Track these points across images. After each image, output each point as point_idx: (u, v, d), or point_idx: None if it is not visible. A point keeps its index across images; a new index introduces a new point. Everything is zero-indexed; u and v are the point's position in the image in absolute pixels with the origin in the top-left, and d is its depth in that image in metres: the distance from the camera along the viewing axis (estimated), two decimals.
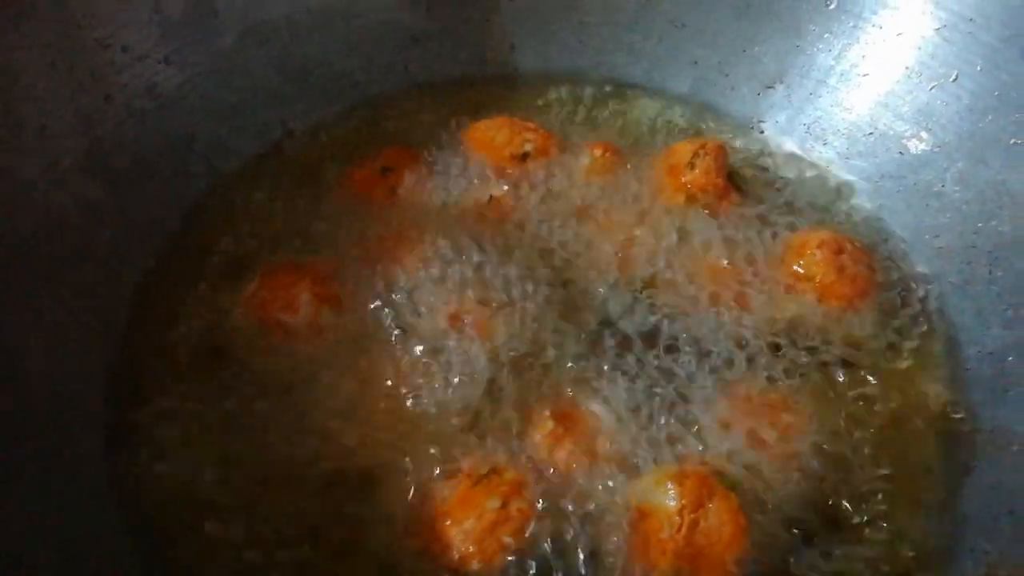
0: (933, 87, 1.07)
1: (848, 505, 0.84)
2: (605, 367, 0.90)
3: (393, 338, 0.92)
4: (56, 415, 0.84)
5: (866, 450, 0.87)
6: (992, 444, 0.88)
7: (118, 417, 0.89)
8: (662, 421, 0.86)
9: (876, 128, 1.13)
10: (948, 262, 1.02)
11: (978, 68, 1.03)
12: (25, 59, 0.92)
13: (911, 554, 0.82)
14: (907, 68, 1.10)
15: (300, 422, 0.87)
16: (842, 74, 1.17)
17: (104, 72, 1.00)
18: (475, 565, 0.75)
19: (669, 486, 0.79)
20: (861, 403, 0.91)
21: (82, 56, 0.98)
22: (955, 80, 1.05)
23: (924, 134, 1.08)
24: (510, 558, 0.76)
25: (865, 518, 0.83)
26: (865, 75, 1.14)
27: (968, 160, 1.03)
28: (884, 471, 0.86)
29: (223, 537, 0.80)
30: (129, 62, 1.02)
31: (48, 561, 0.74)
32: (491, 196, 1.06)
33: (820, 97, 1.19)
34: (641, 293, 0.97)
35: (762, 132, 1.22)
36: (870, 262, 1.01)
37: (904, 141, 1.10)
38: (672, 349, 0.92)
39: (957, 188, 1.03)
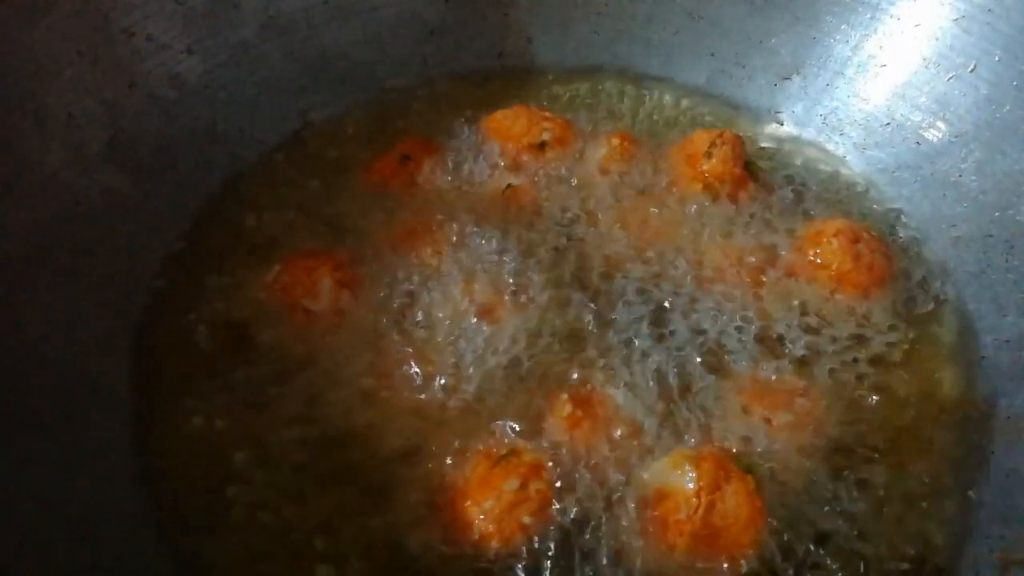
0: (951, 77, 1.07)
1: (862, 490, 0.84)
2: (622, 352, 0.91)
3: (412, 323, 0.93)
4: (78, 401, 0.86)
5: (882, 436, 0.88)
6: (1009, 431, 0.88)
7: (140, 402, 0.90)
8: (679, 405, 0.87)
9: (893, 119, 1.13)
10: (965, 251, 1.02)
11: (996, 58, 1.03)
12: (51, 48, 0.94)
13: (927, 539, 0.82)
14: (924, 59, 1.11)
15: (320, 405, 0.88)
16: (859, 65, 1.17)
17: (128, 61, 1.02)
18: (494, 545, 0.76)
19: (686, 468, 0.79)
20: (876, 390, 0.91)
21: (107, 45, 1.00)
22: (973, 70, 1.05)
23: (941, 124, 1.08)
24: (529, 538, 0.77)
25: (879, 503, 0.83)
26: (883, 66, 1.15)
27: (985, 150, 1.03)
28: (899, 457, 0.87)
29: (243, 519, 0.81)
30: (153, 51, 1.04)
31: (70, 545, 0.75)
32: (509, 185, 1.07)
33: (837, 88, 1.19)
34: (658, 280, 0.98)
35: (779, 123, 1.22)
36: (886, 251, 1.01)
37: (921, 131, 1.10)
38: (688, 335, 0.93)
39: (974, 178, 1.03)
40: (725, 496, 0.78)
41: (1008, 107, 1.01)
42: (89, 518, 0.78)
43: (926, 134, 1.10)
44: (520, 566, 0.76)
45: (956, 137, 1.06)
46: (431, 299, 0.95)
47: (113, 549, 0.78)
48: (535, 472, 0.80)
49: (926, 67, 1.10)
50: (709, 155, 1.07)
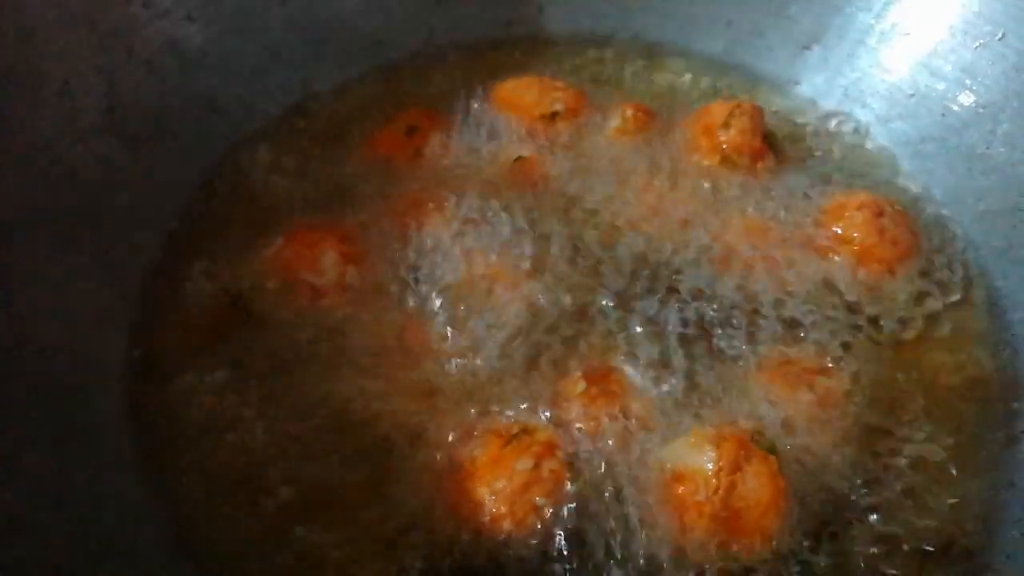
0: (978, 46, 1.03)
1: (888, 471, 0.81)
2: (637, 328, 0.88)
3: (419, 299, 0.90)
4: (74, 377, 0.83)
5: (907, 416, 0.85)
6: None
7: (138, 377, 0.87)
8: (697, 383, 0.84)
9: (917, 89, 1.09)
10: (992, 226, 0.98)
11: None
12: (45, 13, 0.91)
13: (955, 521, 0.79)
14: (951, 27, 1.06)
15: (324, 382, 0.85)
16: (882, 34, 1.13)
17: (126, 28, 0.98)
18: (507, 526, 0.73)
19: (705, 448, 0.76)
20: (902, 368, 0.88)
21: (104, 11, 0.97)
22: (1001, 39, 1.01)
23: (968, 95, 1.04)
24: (542, 519, 0.74)
25: (906, 484, 0.80)
26: (906, 34, 1.10)
27: (1014, 121, 0.99)
28: (925, 437, 0.83)
29: (244, 497, 0.79)
30: (151, 18, 1.00)
31: (65, 522, 0.73)
32: (519, 156, 1.04)
33: (859, 58, 1.15)
34: (674, 254, 0.95)
35: (798, 94, 1.18)
36: (911, 225, 0.97)
37: (947, 103, 1.06)
38: (706, 311, 0.90)
39: (1003, 150, 0.99)
40: (746, 477, 0.75)
41: None
42: (86, 495, 0.76)
43: (952, 105, 1.06)
44: (533, 547, 0.73)
45: (983, 108, 1.02)
46: (439, 274, 0.92)
47: (110, 526, 0.76)
48: (548, 451, 0.77)
49: (952, 35, 1.06)
50: (727, 126, 1.04)
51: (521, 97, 1.09)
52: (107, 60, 0.96)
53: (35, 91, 0.89)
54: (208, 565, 0.76)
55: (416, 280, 0.91)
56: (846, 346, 0.88)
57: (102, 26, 0.96)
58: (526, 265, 0.92)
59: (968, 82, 1.05)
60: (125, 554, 0.75)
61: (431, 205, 0.98)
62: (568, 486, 0.76)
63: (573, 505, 0.75)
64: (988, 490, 0.82)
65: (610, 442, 0.79)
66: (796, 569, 0.74)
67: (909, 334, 0.90)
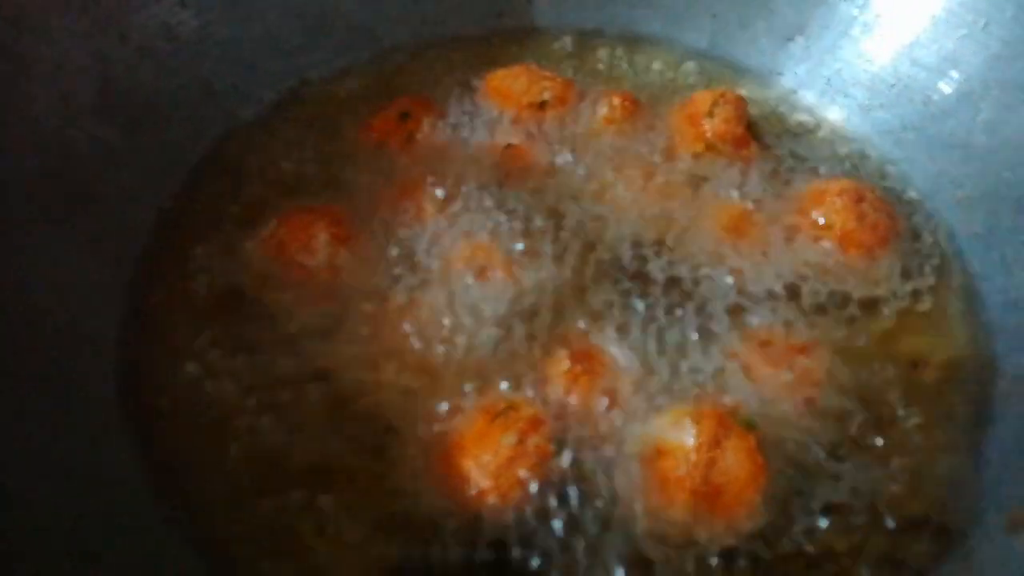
0: (961, 35, 1.05)
1: (865, 449, 0.82)
2: (622, 310, 0.89)
3: (409, 281, 0.91)
4: (67, 355, 0.84)
5: (885, 396, 0.86)
6: (1015, 391, 0.87)
7: (133, 358, 0.88)
8: (679, 363, 0.85)
9: (899, 79, 1.11)
10: (972, 212, 1.00)
11: (1008, 15, 1.01)
12: None
13: (932, 498, 0.81)
14: (933, 17, 1.08)
15: (316, 362, 0.86)
16: (865, 24, 1.14)
17: (120, 12, 0.99)
18: (492, 500, 0.75)
19: (686, 424, 0.78)
20: (880, 350, 0.90)
21: None
22: (984, 27, 1.03)
23: (949, 84, 1.06)
24: (527, 493, 0.75)
25: (882, 462, 0.82)
26: (890, 25, 1.12)
27: (995, 109, 1.01)
28: (903, 417, 0.85)
29: (237, 474, 0.80)
30: (145, 2, 1.01)
31: (60, 501, 0.73)
32: (509, 143, 1.05)
33: (842, 48, 1.16)
34: (659, 239, 0.96)
35: (781, 85, 1.20)
36: (891, 211, 0.99)
37: (928, 92, 1.08)
38: (689, 294, 0.91)
39: (983, 137, 1.01)
40: (726, 453, 0.76)
41: (1020, 64, 0.99)
42: (80, 475, 0.76)
43: (933, 94, 1.08)
44: (518, 520, 0.75)
45: (965, 96, 1.04)
46: (428, 257, 0.93)
47: (105, 505, 0.76)
48: (534, 427, 0.78)
49: (935, 25, 1.08)
50: (711, 115, 1.05)
51: (511, 86, 1.11)
52: (100, 44, 0.97)
53: (27, 71, 0.89)
54: (200, 536, 0.77)
55: (406, 262, 0.93)
56: (825, 327, 0.90)
57: (95, 9, 0.97)
58: (514, 248, 0.94)
59: (950, 71, 1.06)
60: (125, 530, 0.76)
61: (423, 189, 0.99)
62: (553, 461, 0.77)
63: (558, 479, 0.77)
64: (964, 468, 0.83)
65: (594, 418, 0.81)
66: (774, 544, 0.76)
67: (887, 316, 0.92)
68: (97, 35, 0.97)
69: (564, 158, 1.05)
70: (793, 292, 0.92)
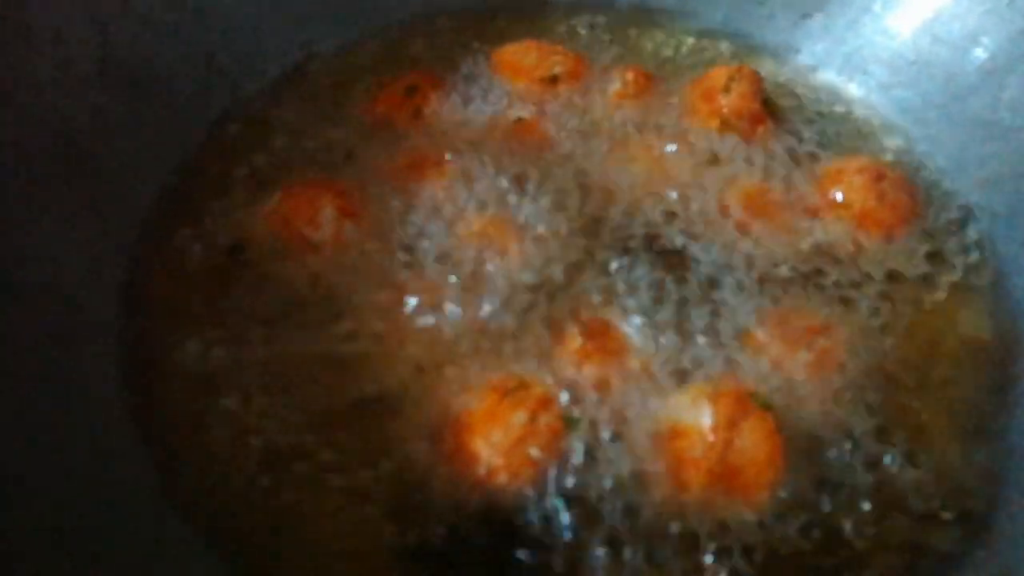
0: (984, 10, 1.02)
1: (886, 432, 0.80)
2: (636, 288, 0.87)
3: (417, 255, 0.89)
4: (66, 328, 0.82)
5: (908, 378, 0.84)
6: None
7: (132, 332, 0.86)
8: (694, 341, 0.83)
9: (920, 56, 1.09)
10: (995, 192, 0.98)
11: None
12: None
13: (955, 483, 0.78)
14: None
15: (320, 338, 0.84)
16: (886, 0, 1.12)
17: None
18: (502, 478, 0.73)
19: (702, 404, 0.76)
20: (901, 331, 0.87)
21: None
22: (1009, 3, 1.00)
23: (973, 61, 1.03)
24: (538, 472, 0.73)
25: (904, 445, 0.80)
26: (911, 0, 1.09)
27: (1020, 86, 0.98)
28: (925, 400, 0.83)
29: (239, 451, 0.78)
30: None
31: (58, 478, 0.71)
32: (519, 118, 1.03)
33: (862, 25, 1.14)
34: (673, 216, 0.94)
35: (799, 62, 1.17)
36: (912, 190, 0.97)
37: (951, 69, 1.06)
38: (704, 272, 0.89)
39: (1007, 115, 0.99)
40: (743, 434, 0.74)
41: None
42: (78, 450, 0.75)
43: (956, 72, 1.05)
44: (528, 500, 0.73)
45: (989, 74, 1.02)
46: (436, 231, 0.91)
47: (103, 481, 0.75)
48: (544, 406, 0.76)
49: (957, 1, 1.05)
50: (727, 90, 1.03)
51: (521, 60, 1.09)
52: (102, 12, 0.94)
53: (26, 38, 0.87)
54: (198, 517, 0.75)
55: (414, 237, 0.90)
56: (844, 308, 0.88)
57: None
58: (524, 223, 0.91)
59: (973, 48, 1.04)
60: (125, 517, 0.74)
61: (430, 164, 0.97)
62: (564, 440, 0.75)
63: (569, 459, 0.75)
64: (987, 452, 0.81)
65: (606, 397, 0.78)
66: (791, 526, 0.74)
67: (908, 298, 0.90)
68: (98, 3, 0.94)
69: (576, 134, 1.02)
70: (811, 271, 0.90)
